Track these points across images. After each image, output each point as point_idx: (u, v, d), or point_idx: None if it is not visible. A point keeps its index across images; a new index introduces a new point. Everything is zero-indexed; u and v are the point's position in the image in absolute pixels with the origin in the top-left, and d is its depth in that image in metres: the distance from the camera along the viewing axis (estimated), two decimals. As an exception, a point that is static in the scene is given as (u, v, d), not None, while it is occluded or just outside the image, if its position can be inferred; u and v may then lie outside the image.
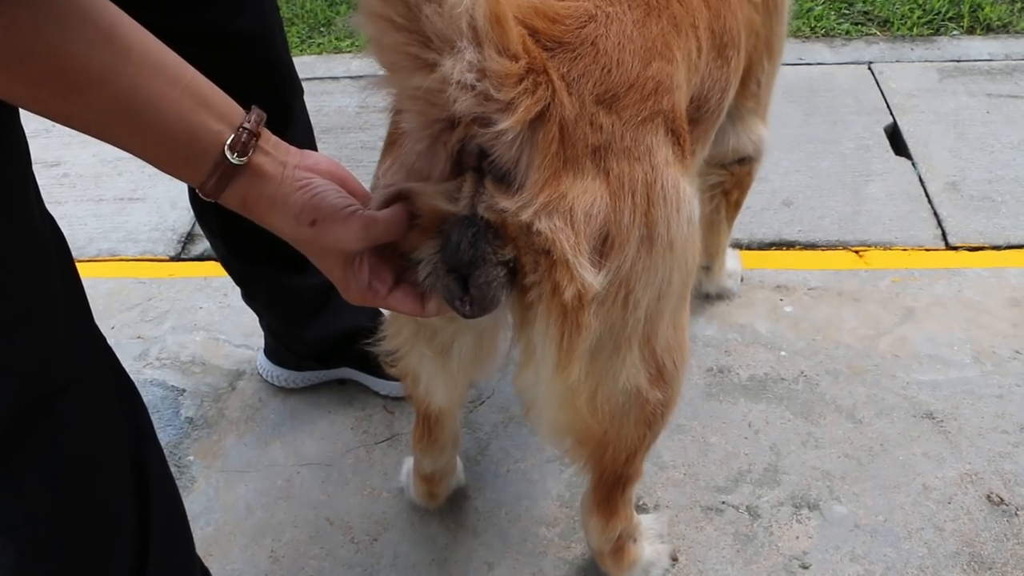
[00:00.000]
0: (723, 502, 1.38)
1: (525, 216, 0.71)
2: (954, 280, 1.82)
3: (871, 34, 2.69)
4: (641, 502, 1.39)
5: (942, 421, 1.49)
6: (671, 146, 0.80)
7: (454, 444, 1.27)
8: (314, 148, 1.40)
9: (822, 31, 2.70)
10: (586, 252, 0.73)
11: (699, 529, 1.35)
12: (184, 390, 1.66)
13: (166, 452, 1.54)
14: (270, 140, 0.72)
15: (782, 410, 1.54)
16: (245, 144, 0.68)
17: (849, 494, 1.38)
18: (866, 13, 2.77)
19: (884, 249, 1.93)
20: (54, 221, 0.92)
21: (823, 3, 2.80)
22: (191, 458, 1.53)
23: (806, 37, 2.69)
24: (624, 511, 1.11)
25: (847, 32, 2.69)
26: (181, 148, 0.67)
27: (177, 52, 0.68)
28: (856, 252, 1.94)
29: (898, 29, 2.69)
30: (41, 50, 0.60)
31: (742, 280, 1.84)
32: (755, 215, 2.03)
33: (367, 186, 0.80)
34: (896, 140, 2.26)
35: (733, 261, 1.82)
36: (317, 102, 2.58)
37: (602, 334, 0.83)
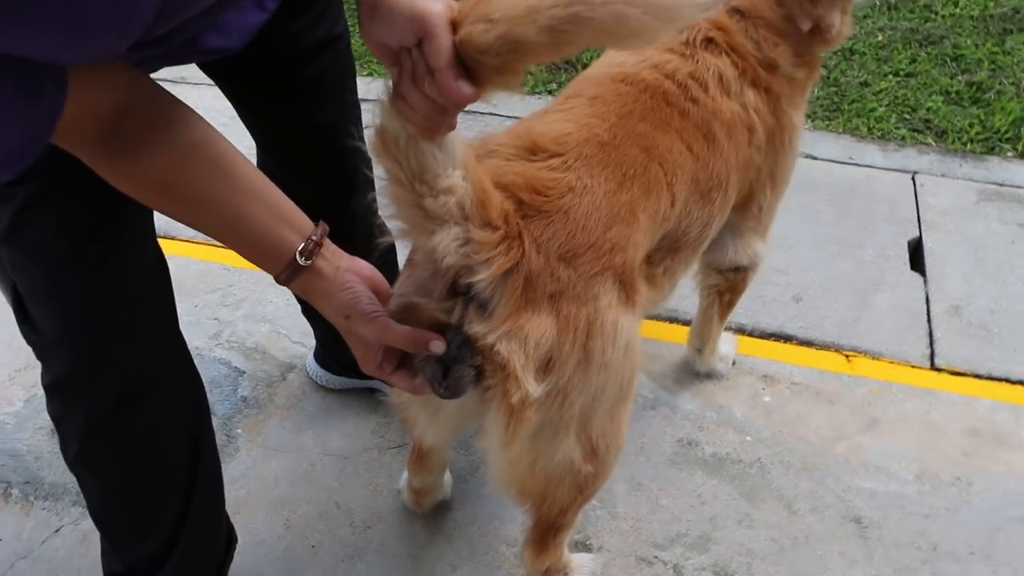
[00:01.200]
0: (656, 556, 1.64)
1: (491, 339, 0.99)
2: (927, 400, 2.01)
3: (925, 143, 2.83)
4: (588, 542, 1.66)
5: (867, 527, 1.71)
6: (617, 293, 1.07)
7: (441, 469, 1.57)
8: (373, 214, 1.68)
9: (879, 133, 2.86)
10: (532, 370, 1.00)
11: (628, 575, 1.61)
12: (244, 372, 2.01)
13: (221, 423, 1.90)
14: (330, 248, 1.02)
15: (731, 488, 1.78)
16: (311, 252, 0.98)
17: (764, 573, 1.62)
18: (927, 121, 2.91)
19: (872, 358, 2.12)
20: (160, 251, 1.24)
21: (887, 105, 2.95)
22: (239, 431, 1.88)
23: (862, 136, 2.86)
24: (554, 551, 1.38)
25: (902, 138, 2.85)
26: (265, 251, 0.98)
27: (273, 133, 0.98)
28: (846, 356, 2.14)
29: (952, 142, 2.82)
30: (179, 183, 0.91)
31: (733, 364, 2.07)
32: (764, 305, 2.25)
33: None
34: (916, 255, 2.43)
35: (728, 346, 2.05)
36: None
37: (543, 423, 1.11)
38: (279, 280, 0.99)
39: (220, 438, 1.86)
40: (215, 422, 1.89)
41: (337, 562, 1.64)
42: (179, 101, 0.91)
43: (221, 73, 1.30)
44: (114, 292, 1.12)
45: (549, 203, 1.02)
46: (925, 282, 2.33)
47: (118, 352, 1.16)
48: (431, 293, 1.01)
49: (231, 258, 2.37)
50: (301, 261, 0.97)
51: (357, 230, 1.30)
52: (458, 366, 1.02)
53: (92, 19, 0.65)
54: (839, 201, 2.59)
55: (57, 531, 1.68)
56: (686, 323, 2.11)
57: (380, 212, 0.96)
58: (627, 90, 1.29)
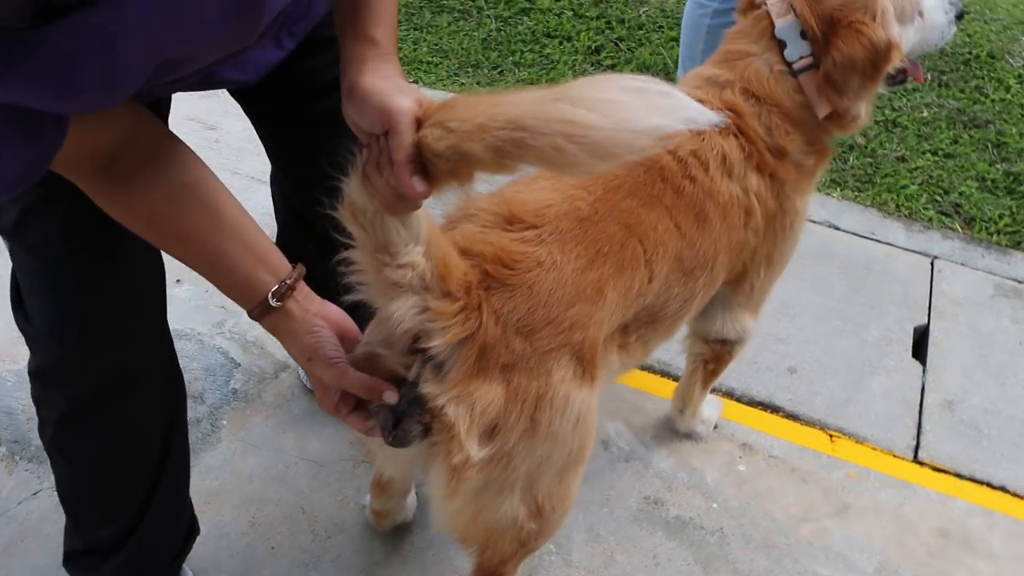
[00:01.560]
0: (600, 612, 1.67)
1: (440, 401, 1.03)
2: (903, 492, 2.00)
3: (951, 228, 2.81)
4: (538, 586, 1.70)
5: (814, 615, 1.72)
6: (572, 368, 1.11)
7: (403, 495, 1.61)
8: None
9: (906, 211, 2.84)
10: (476, 435, 1.04)
11: (570, 626, 1.64)
12: (240, 364, 2.08)
13: (208, 411, 1.97)
14: (303, 291, 1.07)
15: (687, 554, 1.80)
16: (283, 294, 1.04)
17: (703, 645, 1.64)
18: (957, 206, 2.88)
19: (856, 442, 2.12)
20: (158, 254, 1.29)
21: (919, 184, 2.93)
22: (224, 422, 1.94)
23: (888, 212, 2.84)
24: (497, 593, 1.42)
25: (929, 219, 2.82)
26: (240, 288, 1.03)
27: (288, 157, 1.05)
28: (830, 435, 2.14)
29: (979, 231, 2.79)
30: (167, 218, 0.97)
31: (715, 427, 2.08)
32: (758, 372, 2.26)
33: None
34: (920, 343, 2.41)
35: (712, 409, 2.07)
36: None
37: (486, 482, 1.15)
38: (251, 316, 1.04)
39: (205, 426, 1.93)
40: (204, 409, 1.97)
41: (293, 566, 1.69)
42: (177, 140, 0.97)
43: (241, 94, 1.36)
44: (107, 293, 1.18)
45: (515, 277, 1.06)
46: (924, 371, 2.32)
47: (104, 349, 1.22)
48: (394, 346, 1.06)
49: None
50: (272, 302, 1.02)
51: None
52: (408, 419, 1.06)
53: (83, 82, 0.70)
54: (853, 276, 2.58)
55: (35, 494, 1.77)
56: (676, 378, 2.13)
57: (345, 272, 1.00)
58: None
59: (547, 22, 3.53)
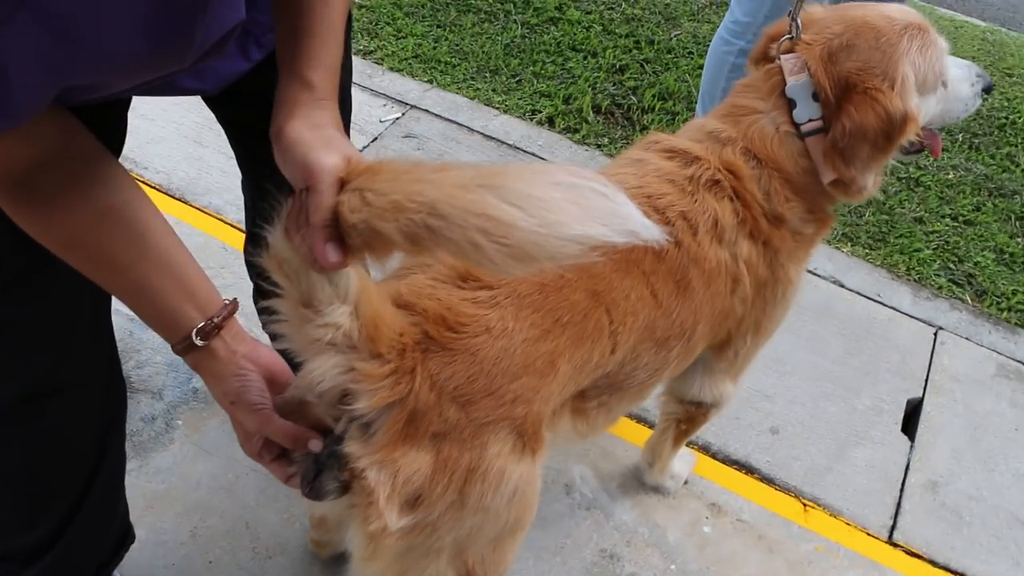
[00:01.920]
0: (535, 671, 1.61)
1: (362, 464, 0.97)
2: (871, 574, 1.92)
3: (961, 299, 2.71)
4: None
5: None
6: (511, 443, 1.04)
7: (340, 529, 1.55)
8: None
9: (916, 276, 2.74)
10: (396, 504, 0.98)
11: None
12: (205, 361, 2.02)
13: (166, 408, 1.91)
14: (232, 330, 1.00)
15: (636, 618, 1.73)
16: (208, 333, 0.97)
17: None
18: (970, 276, 2.78)
19: (830, 515, 2.04)
20: None
21: (934, 249, 2.83)
22: (179, 422, 1.89)
23: (898, 275, 2.74)
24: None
25: (939, 288, 2.73)
26: (163, 322, 0.97)
27: (256, 168, 1.09)
28: (804, 504, 2.06)
29: (989, 305, 2.69)
30: (87, 243, 0.90)
31: (685, 483, 2.01)
32: (739, 429, 2.18)
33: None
34: (912, 417, 2.33)
35: (683, 464, 1.99)
36: (442, 147, 2.88)
37: (409, 547, 1.08)
38: (174, 351, 0.98)
39: (159, 425, 1.87)
40: (161, 406, 1.92)
41: (227, 584, 1.64)
42: (109, 160, 0.90)
43: (212, 102, 1.30)
44: (36, 307, 1.12)
45: (458, 341, 0.99)
46: (911, 448, 2.23)
47: (32, 357, 1.17)
48: (322, 397, 0.99)
49: (233, 239, 2.38)
50: (196, 340, 0.96)
51: None
52: (328, 472, 1.00)
53: None
54: (851, 338, 2.49)
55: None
56: (651, 425, 2.06)
57: (268, 321, 0.94)
58: (604, 220, 1.24)
59: (574, 34, 3.45)
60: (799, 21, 1.40)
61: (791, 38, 1.41)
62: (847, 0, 1.51)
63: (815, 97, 1.38)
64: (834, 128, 1.37)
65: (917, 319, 2.61)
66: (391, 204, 0.70)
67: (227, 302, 1.00)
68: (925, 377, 2.42)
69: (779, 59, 1.42)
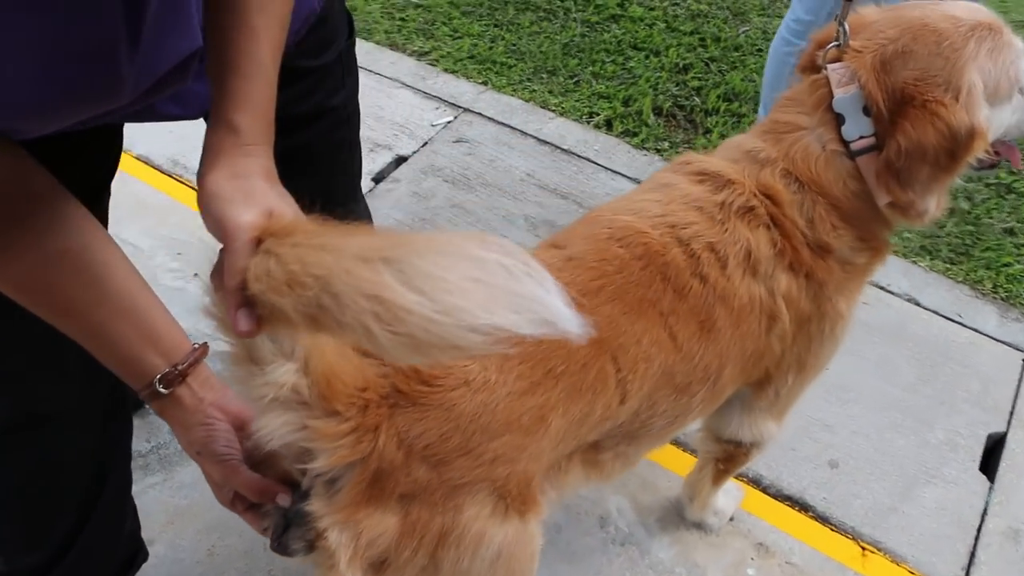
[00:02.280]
0: None
1: (324, 523, 0.90)
2: (936, 632, 1.75)
3: (1056, 321, 2.45)
4: None
5: None
6: (492, 505, 0.94)
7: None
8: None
9: (1004, 294, 2.50)
10: (359, 567, 0.90)
11: None
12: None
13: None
14: (199, 377, 0.94)
15: (665, 669, 1.61)
16: (172, 380, 0.92)
17: None
18: (1068, 295, 2.52)
19: (892, 561, 1.87)
20: None
21: (1026, 264, 2.58)
22: (205, 438, 1.87)
23: (983, 293, 2.50)
24: None
25: (1031, 307, 2.48)
26: (125, 369, 0.92)
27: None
28: (862, 548, 1.89)
29: (1090, 329, 2.43)
30: (40, 288, 0.86)
31: (731, 520, 1.87)
32: (794, 462, 2.02)
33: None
34: (992, 454, 2.11)
35: (728, 500, 1.85)
36: (493, 152, 2.79)
37: None
38: (140, 396, 0.93)
39: (185, 440, 1.86)
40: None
41: (239, 609, 1.61)
42: (67, 201, 0.85)
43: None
44: (26, 333, 1.09)
45: (432, 395, 0.90)
46: (990, 489, 2.02)
47: (27, 377, 1.14)
48: (285, 451, 0.92)
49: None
50: (159, 388, 0.90)
51: None
52: (296, 529, 0.94)
53: None
54: (926, 363, 2.28)
55: None
56: (696, 453, 1.93)
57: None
58: (618, 254, 1.13)
59: (636, 32, 3.30)
60: (846, 26, 1.25)
61: (838, 45, 1.25)
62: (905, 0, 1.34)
63: (866, 111, 1.23)
64: (888, 146, 1.21)
65: (1003, 343, 2.37)
66: (287, 276, 0.61)
67: (195, 347, 0.94)
68: (1010, 409, 2.19)
69: (825, 69, 1.27)
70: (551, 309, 0.55)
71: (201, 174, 0.76)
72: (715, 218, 1.22)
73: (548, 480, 1.07)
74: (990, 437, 2.14)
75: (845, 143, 1.24)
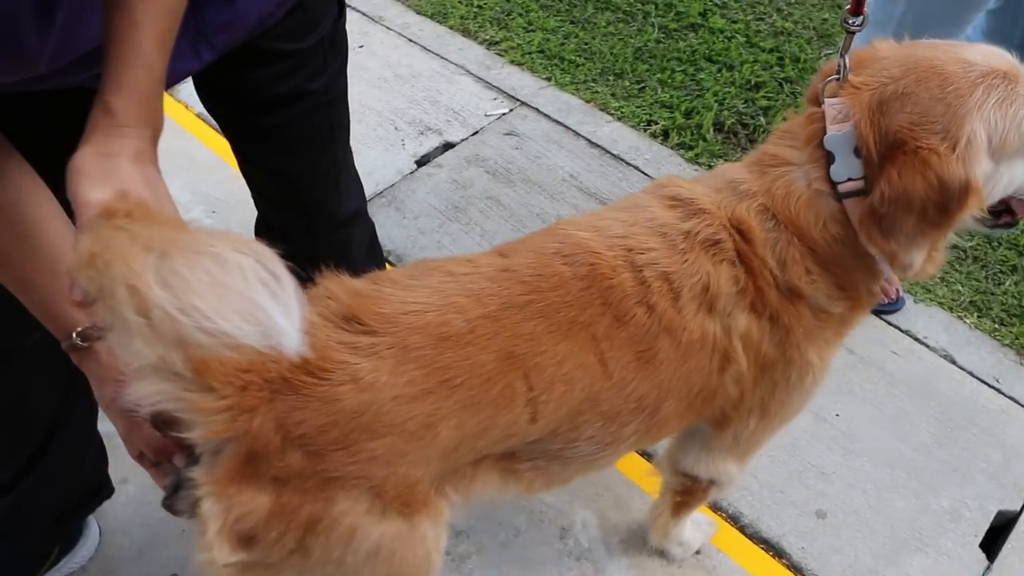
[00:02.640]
0: None
1: (200, 491, 0.93)
2: None
3: (1107, 403, 2.27)
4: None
5: None
6: (367, 503, 0.95)
7: None
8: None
9: (1052, 363, 2.33)
10: (227, 539, 0.93)
11: None
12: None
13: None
14: None
15: None
16: (89, 335, 0.97)
17: None
18: None
19: (862, 626, 1.79)
20: None
21: (1085, 337, 2.39)
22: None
23: (1027, 360, 2.34)
24: None
25: (1080, 384, 2.30)
26: (48, 318, 0.98)
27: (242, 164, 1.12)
28: (832, 607, 1.82)
29: None
30: None
31: (697, 553, 1.83)
32: (779, 504, 1.95)
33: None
34: (998, 534, 1.98)
35: (695, 533, 1.81)
36: (541, 149, 2.79)
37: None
38: (62, 347, 0.99)
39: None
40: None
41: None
42: (7, 157, 0.91)
43: (201, 95, 1.30)
44: None
45: (315, 387, 0.92)
46: (987, 569, 1.90)
47: None
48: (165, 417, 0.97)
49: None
50: (76, 341, 0.96)
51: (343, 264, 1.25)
52: (184, 492, 0.98)
53: None
54: (947, 425, 2.16)
55: None
56: (677, 483, 1.89)
57: None
58: (559, 271, 1.11)
59: (713, 44, 3.21)
60: (847, 59, 1.18)
61: (838, 79, 1.20)
62: (928, 38, 1.26)
63: (857, 152, 1.17)
64: (872, 192, 1.15)
65: (1039, 418, 2.22)
66: (88, 256, 0.63)
67: None
68: (1030, 489, 2.06)
69: (823, 102, 1.21)
70: (271, 319, 0.56)
71: (75, 150, 0.80)
72: (677, 247, 1.19)
73: (450, 484, 1.07)
74: (1000, 514, 2.01)
75: (833, 184, 1.18)
